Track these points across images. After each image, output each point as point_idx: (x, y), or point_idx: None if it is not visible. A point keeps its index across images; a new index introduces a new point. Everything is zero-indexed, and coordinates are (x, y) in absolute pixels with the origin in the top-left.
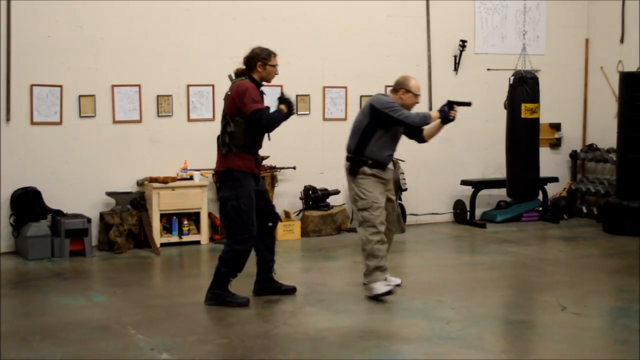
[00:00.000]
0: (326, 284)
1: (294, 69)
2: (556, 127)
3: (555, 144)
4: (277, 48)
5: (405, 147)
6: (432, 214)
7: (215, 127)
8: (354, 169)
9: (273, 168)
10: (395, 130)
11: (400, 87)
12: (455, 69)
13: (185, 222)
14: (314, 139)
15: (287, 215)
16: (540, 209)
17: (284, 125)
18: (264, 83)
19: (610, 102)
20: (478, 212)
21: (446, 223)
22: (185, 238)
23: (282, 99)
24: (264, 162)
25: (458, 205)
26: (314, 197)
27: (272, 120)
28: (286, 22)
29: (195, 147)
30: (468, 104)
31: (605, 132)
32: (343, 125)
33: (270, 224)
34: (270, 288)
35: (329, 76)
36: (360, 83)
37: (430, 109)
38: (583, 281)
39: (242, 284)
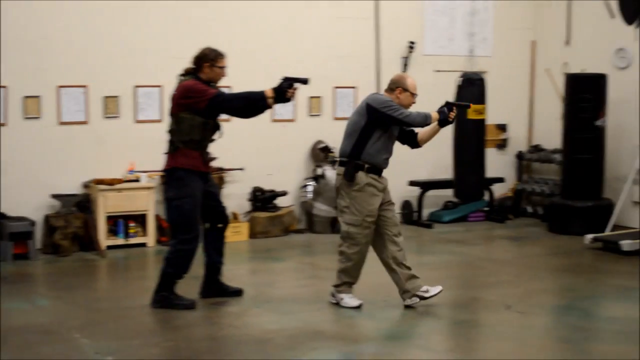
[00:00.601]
0: (273, 285)
1: (243, 70)
2: (502, 128)
3: (502, 145)
4: (226, 49)
5: None
6: None
7: (164, 129)
8: (350, 174)
9: (221, 169)
10: (392, 131)
11: (397, 85)
12: (404, 71)
13: (132, 225)
14: (263, 140)
15: (235, 216)
16: (487, 209)
17: (233, 126)
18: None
19: (555, 103)
20: (425, 213)
21: None
22: (132, 240)
23: (281, 82)
24: (211, 164)
25: (405, 206)
26: (261, 199)
27: (237, 100)
28: (236, 23)
29: (142, 148)
30: (467, 106)
31: (550, 133)
32: (292, 127)
33: (220, 225)
34: (217, 290)
35: (278, 77)
36: (310, 84)
37: None
38: (528, 280)
39: (189, 286)
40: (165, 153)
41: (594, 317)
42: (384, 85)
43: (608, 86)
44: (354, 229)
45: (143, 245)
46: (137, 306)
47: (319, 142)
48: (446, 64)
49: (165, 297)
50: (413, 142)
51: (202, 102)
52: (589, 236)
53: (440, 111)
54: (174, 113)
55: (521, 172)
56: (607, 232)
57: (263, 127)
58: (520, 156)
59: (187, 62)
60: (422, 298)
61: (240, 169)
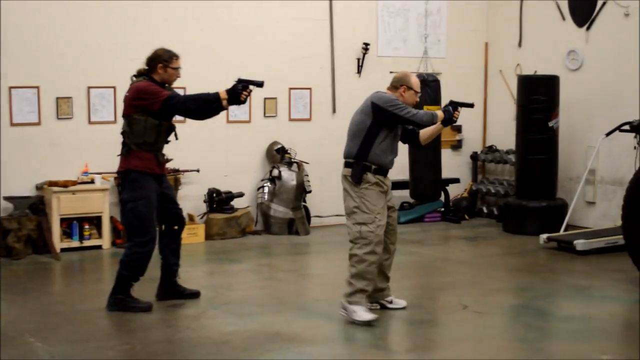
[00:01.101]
0: (230, 287)
1: (196, 71)
2: (457, 129)
3: (457, 146)
4: (179, 50)
5: (309, 149)
6: (337, 215)
7: (118, 130)
8: (357, 176)
9: (176, 171)
10: (397, 131)
11: (401, 83)
12: (359, 72)
13: (87, 227)
14: (218, 141)
15: (191, 218)
16: (443, 209)
17: (188, 127)
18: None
19: (509, 104)
20: None
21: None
22: (87, 243)
23: (235, 84)
24: (167, 165)
25: None
26: (218, 200)
27: (191, 101)
28: (189, 23)
29: (96, 150)
30: (471, 105)
31: (504, 134)
32: (247, 128)
33: (176, 227)
34: (173, 292)
35: (233, 78)
36: (265, 85)
37: (334, 111)
38: (484, 280)
39: (145, 289)
40: (119, 155)
41: (550, 316)
42: (339, 86)
43: (560, 87)
44: (365, 227)
45: (98, 247)
46: (92, 309)
47: (275, 143)
48: (401, 66)
49: (121, 300)
50: (414, 141)
51: (155, 103)
52: (544, 236)
53: (445, 110)
54: (126, 115)
55: (476, 173)
56: (561, 232)
57: (219, 128)
58: (475, 157)
59: (141, 63)
60: (383, 306)
61: (196, 171)
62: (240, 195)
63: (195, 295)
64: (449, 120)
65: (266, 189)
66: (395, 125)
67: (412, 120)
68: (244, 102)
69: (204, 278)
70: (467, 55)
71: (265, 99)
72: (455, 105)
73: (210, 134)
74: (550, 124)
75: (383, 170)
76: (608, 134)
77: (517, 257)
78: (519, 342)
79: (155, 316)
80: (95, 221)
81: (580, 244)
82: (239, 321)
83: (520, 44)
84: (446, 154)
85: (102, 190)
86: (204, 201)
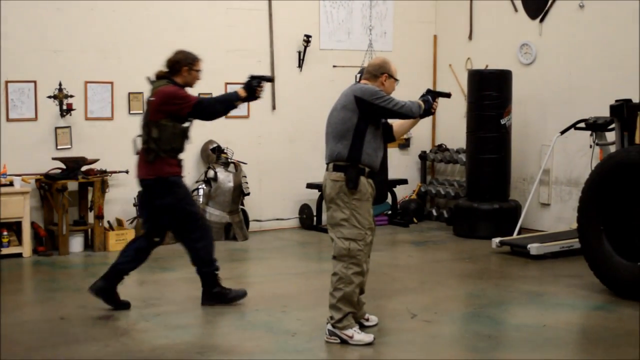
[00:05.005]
0: (162, 298)
1: (125, 64)
2: None
3: (404, 145)
4: (107, 42)
5: (247, 149)
6: (277, 219)
7: (38, 128)
8: (354, 181)
9: (103, 172)
10: (381, 126)
11: (382, 71)
12: (300, 66)
13: (5, 233)
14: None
15: (120, 223)
16: (390, 212)
17: (114, 125)
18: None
19: (459, 101)
20: (325, 217)
21: (292, 229)
22: (5, 251)
23: (250, 81)
24: (93, 166)
25: (304, 209)
26: None
27: (218, 103)
28: (117, 13)
29: (15, 149)
30: (448, 95)
31: (454, 132)
32: None
33: (156, 239)
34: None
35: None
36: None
37: (274, 108)
38: (433, 287)
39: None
40: (144, 161)
41: (502, 324)
42: (279, 81)
43: (513, 83)
44: (355, 244)
45: (18, 255)
46: (11, 323)
47: (210, 142)
48: (344, 59)
49: (218, 293)
50: (388, 136)
51: (185, 108)
52: (496, 240)
53: (425, 100)
54: (153, 120)
55: (425, 174)
56: (515, 236)
57: None
58: (423, 156)
59: (65, 56)
60: (361, 325)
61: (125, 172)
62: None
63: (125, 306)
64: (429, 111)
65: (201, 192)
66: (380, 120)
67: (401, 113)
68: (258, 98)
69: (133, 288)
70: (414, 48)
71: (199, 94)
72: (434, 94)
73: (139, 132)
74: (503, 122)
75: (373, 174)
76: (563, 132)
77: (468, 263)
78: (470, 352)
79: (80, 329)
80: (14, 227)
81: (534, 248)
82: (172, 333)
83: (470, 37)
84: (393, 154)
85: (22, 194)
86: (134, 205)
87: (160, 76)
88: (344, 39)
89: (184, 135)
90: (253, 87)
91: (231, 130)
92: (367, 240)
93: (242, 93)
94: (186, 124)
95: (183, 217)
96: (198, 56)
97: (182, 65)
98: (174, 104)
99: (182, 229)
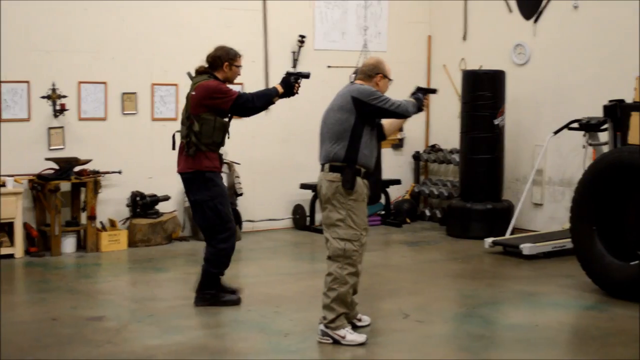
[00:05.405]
0: (155, 298)
1: (118, 64)
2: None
3: (398, 145)
4: (101, 41)
5: (240, 149)
6: (270, 219)
7: (31, 128)
8: (350, 181)
9: (96, 173)
10: (375, 127)
11: (377, 72)
12: (294, 66)
13: None
14: (142, 140)
15: (113, 224)
16: (383, 212)
17: (108, 124)
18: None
19: (453, 101)
20: (318, 218)
21: (285, 229)
22: None
23: (287, 77)
24: (85, 167)
25: (297, 210)
26: (142, 204)
27: (258, 98)
28: (111, 13)
29: (8, 150)
30: (434, 91)
31: (448, 133)
32: (174, 125)
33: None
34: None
35: (159, 73)
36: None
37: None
38: (426, 287)
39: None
40: (184, 155)
41: (495, 324)
42: (273, 81)
43: (506, 83)
44: (350, 245)
45: (10, 256)
46: (3, 324)
47: None
48: (339, 60)
49: (213, 295)
50: (380, 134)
51: (227, 102)
52: (489, 240)
53: (416, 98)
54: (195, 114)
55: (418, 174)
56: (507, 236)
57: (142, 126)
58: (417, 157)
59: (56, 56)
60: (354, 325)
61: (118, 172)
62: (166, 198)
63: (233, 293)
64: (420, 108)
65: None
66: (375, 121)
67: (398, 112)
68: (296, 93)
69: (126, 288)
70: (409, 49)
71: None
72: (423, 91)
73: (133, 132)
74: (496, 122)
75: (368, 174)
76: (556, 132)
77: (461, 263)
78: (463, 351)
79: (72, 330)
80: (6, 228)
81: (527, 248)
82: (165, 334)
83: (465, 38)
84: (387, 154)
85: (15, 194)
86: (127, 205)
87: (200, 71)
88: (338, 39)
89: (224, 129)
90: (291, 84)
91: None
92: (362, 241)
93: (280, 89)
94: (226, 119)
95: (214, 215)
96: (239, 52)
97: (223, 61)
98: (216, 97)
99: (210, 227)
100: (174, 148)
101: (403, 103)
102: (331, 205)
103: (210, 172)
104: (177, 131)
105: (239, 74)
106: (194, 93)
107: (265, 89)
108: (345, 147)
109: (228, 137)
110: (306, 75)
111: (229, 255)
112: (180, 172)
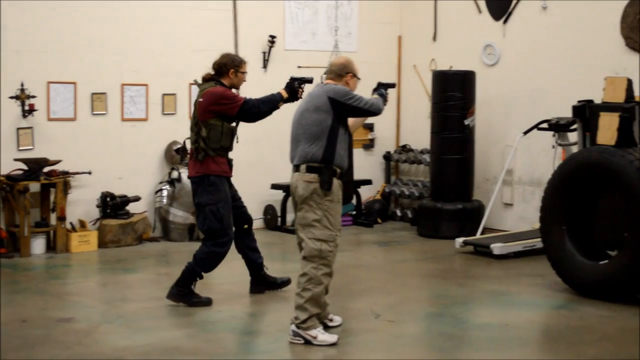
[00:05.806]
0: (125, 299)
1: (88, 64)
2: (369, 127)
3: (369, 145)
4: (69, 41)
5: None
6: None
7: (1, 127)
8: (328, 182)
9: (66, 173)
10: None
11: (347, 71)
12: (265, 66)
13: None
14: (112, 141)
15: (83, 224)
16: (354, 213)
17: (77, 125)
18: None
19: (423, 101)
20: (290, 218)
21: (256, 230)
22: None
23: (291, 82)
24: (55, 168)
25: (268, 210)
26: (112, 205)
27: (263, 104)
28: (81, 13)
29: None
30: (393, 85)
31: (419, 133)
32: (144, 126)
33: (246, 226)
34: (266, 284)
35: (128, 73)
36: (163, 80)
37: None
38: (397, 287)
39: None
40: (193, 160)
41: (466, 324)
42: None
43: (476, 84)
44: (326, 245)
45: None
46: None
47: (174, 142)
48: (309, 60)
49: (185, 294)
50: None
51: (234, 108)
52: (460, 240)
53: (380, 94)
54: (202, 120)
55: (389, 174)
56: (478, 236)
57: (112, 126)
58: (388, 157)
59: (26, 57)
60: (325, 326)
61: (88, 173)
62: (137, 199)
63: (286, 283)
64: (384, 103)
65: (165, 192)
66: (347, 120)
67: (371, 111)
68: (300, 98)
69: (96, 289)
70: (379, 49)
71: (163, 95)
72: (385, 86)
73: (103, 132)
74: (466, 122)
75: (342, 175)
76: (526, 133)
77: (432, 263)
78: (434, 351)
79: (42, 332)
80: None
81: (497, 247)
82: (135, 335)
83: (435, 38)
84: (358, 154)
85: None
86: (97, 206)
87: (207, 79)
88: (308, 40)
89: (232, 134)
90: (295, 88)
91: None
92: (336, 242)
93: (285, 94)
94: (233, 124)
95: (215, 219)
96: (244, 59)
97: (228, 68)
98: (222, 103)
99: (211, 231)
100: (187, 154)
101: (375, 102)
102: (307, 206)
103: (215, 177)
104: (188, 138)
105: (245, 80)
106: (201, 100)
107: (271, 95)
108: (322, 147)
109: (237, 142)
110: (309, 80)
111: (219, 260)
112: (190, 177)
